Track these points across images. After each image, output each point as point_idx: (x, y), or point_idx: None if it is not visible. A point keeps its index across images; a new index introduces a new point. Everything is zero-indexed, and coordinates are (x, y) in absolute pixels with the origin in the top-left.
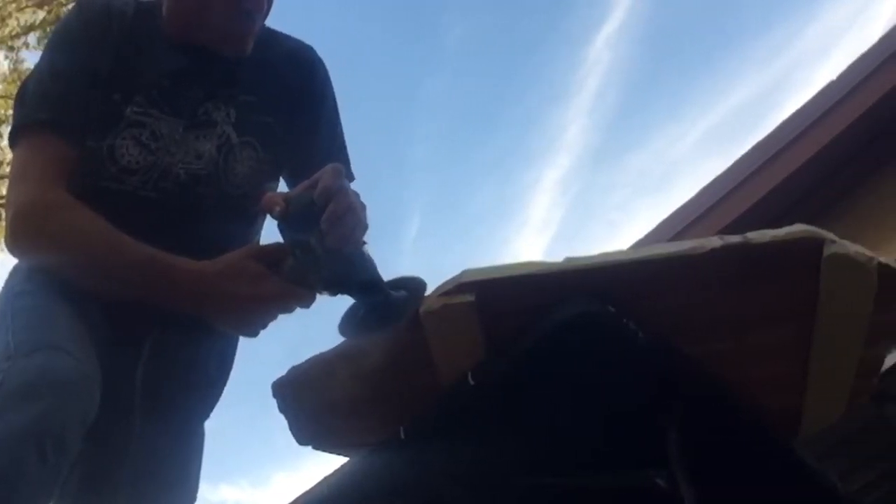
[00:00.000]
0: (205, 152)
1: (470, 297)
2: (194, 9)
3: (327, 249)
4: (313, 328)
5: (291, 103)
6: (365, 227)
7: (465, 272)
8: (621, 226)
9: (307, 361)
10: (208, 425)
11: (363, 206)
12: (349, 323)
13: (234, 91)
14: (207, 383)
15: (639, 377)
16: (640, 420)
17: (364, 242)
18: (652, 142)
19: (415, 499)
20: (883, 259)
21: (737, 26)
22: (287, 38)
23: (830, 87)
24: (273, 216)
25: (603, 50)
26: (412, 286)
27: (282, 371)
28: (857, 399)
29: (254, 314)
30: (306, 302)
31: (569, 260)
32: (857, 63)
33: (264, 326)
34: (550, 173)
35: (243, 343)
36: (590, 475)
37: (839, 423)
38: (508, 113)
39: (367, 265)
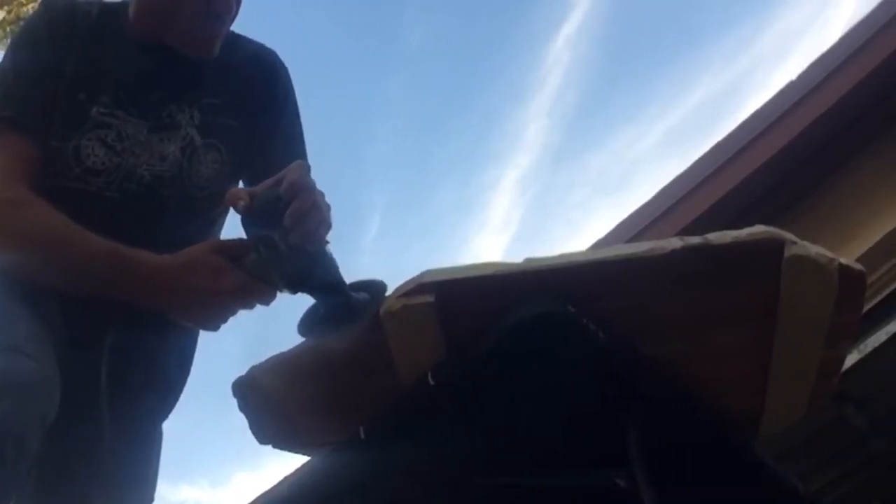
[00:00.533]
0: (168, 154)
1: (430, 298)
2: (164, 9)
3: (290, 246)
4: (273, 327)
5: (254, 106)
6: (328, 227)
7: (425, 273)
8: (581, 225)
9: (267, 361)
10: (168, 425)
11: (328, 206)
12: (309, 323)
13: (198, 93)
14: (167, 384)
15: (599, 377)
16: (600, 420)
17: (327, 242)
18: (611, 141)
19: (374, 498)
20: (843, 260)
21: (696, 27)
22: (250, 41)
23: (790, 87)
24: (237, 210)
25: (563, 49)
26: (373, 289)
27: (242, 370)
28: (817, 400)
29: (214, 308)
30: (267, 298)
31: (529, 260)
32: (817, 64)
33: (225, 321)
34: (510, 173)
35: (203, 342)
36: (550, 475)
37: (799, 423)
38: (468, 112)
39: (329, 265)
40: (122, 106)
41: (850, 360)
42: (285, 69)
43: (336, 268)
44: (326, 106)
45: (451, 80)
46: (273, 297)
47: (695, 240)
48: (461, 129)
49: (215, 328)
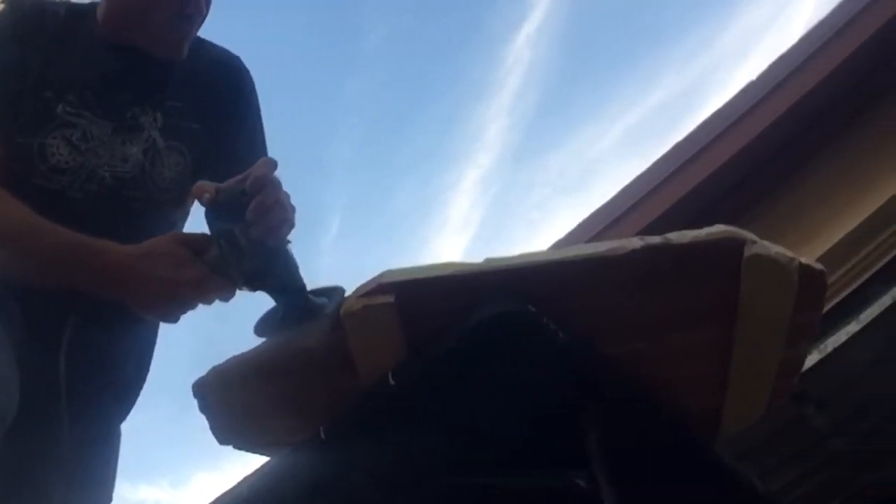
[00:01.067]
0: (131, 156)
1: (390, 298)
2: (135, 9)
3: (251, 240)
4: (233, 328)
5: (217, 110)
6: (291, 226)
7: (385, 273)
8: (541, 225)
9: (228, 361)
10: (128, 425)
11: (293, 207)
12: (266, 324)
13: (162, 96)
14: (125, 385)
15: (559, 377)
16: (561, 420)
17: (289, 242)
18: (572, 141)
19: (335, 499)
20: (804, 260)
21: (657, 26)
22: (214, 46)
23: (750, 87)
24: (202, 203)
25: (523, 49)
26: (332, 294)
27: (202, 371)
28: (777, 399)
29: (174, 299)
30: (226, 294)
31: (489, 260)
32: (777, 64)
33: (184, 312)
34: (471, 173)
35: (164, 342)
36: (511, 475)
37: (759, 423)
38: (429, 113)
39: (290, 265)
40: (89, 106)
41: (811, 360)
42: (249, 75)
43: (296, 269)
44: (286, 107)
45: (412, 81)
46: (232, 293)
47: (655, 239)
48: (421, 130)
49: (174, 320)
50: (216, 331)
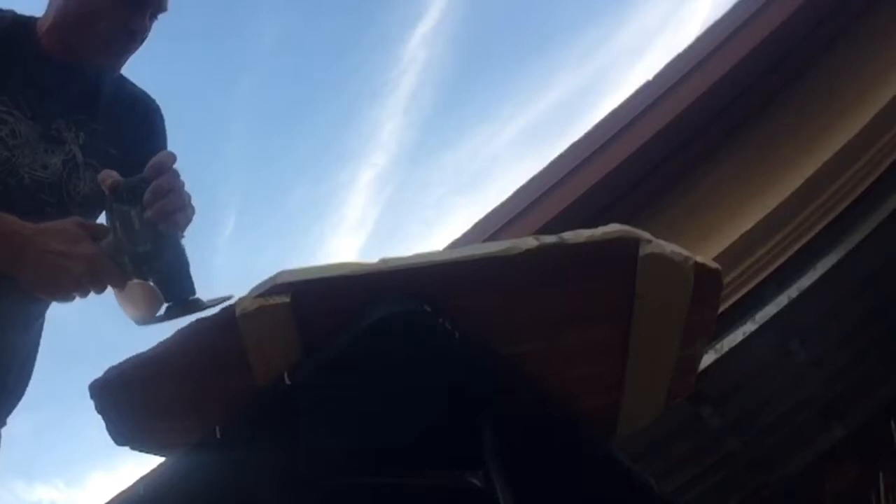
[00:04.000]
0: (51, 164)
1: (285, 298)
2: (86, 13)
3: (145, 223)
4: (129, 329)
5: (133, 140)
6: (187, 218)
7: (280, 273)
8: (437, 224)
9: (125, 362)
10: (23, 425)
11: (190, 199)
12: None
13: (86, 118)
14: (5, 390)
15: (454, 377)
16: (456, 419)
17: (182, 235)
18: (467, 140)
19: (231, 499)
20: (699, 258)
21: (552, 25)
22: (135, 85)
23: (646, 86)
24: (104, 187)
25: (418, 49)
26: (221, 300)
27: (98, 372)
28: (673, 399)
29: (66, 273)
30: (118, 282)
31: (384, 260)
32: (673, 63)
33: (76, 292)
34: (366, 172)
35: (60, 343)
36: (406, 475)
37: (656, 423)
38: (323, 112)
39: (180, 255)
40: (20, 108)
41: (707, 359)
42: (162, 114)
43: (187, 263)
44: (178, 105)
45: (306, 79)
46: (123, 282)
47: (550, 239)
48: (316, 128)
49: (66, 299)
50: (116, 330)
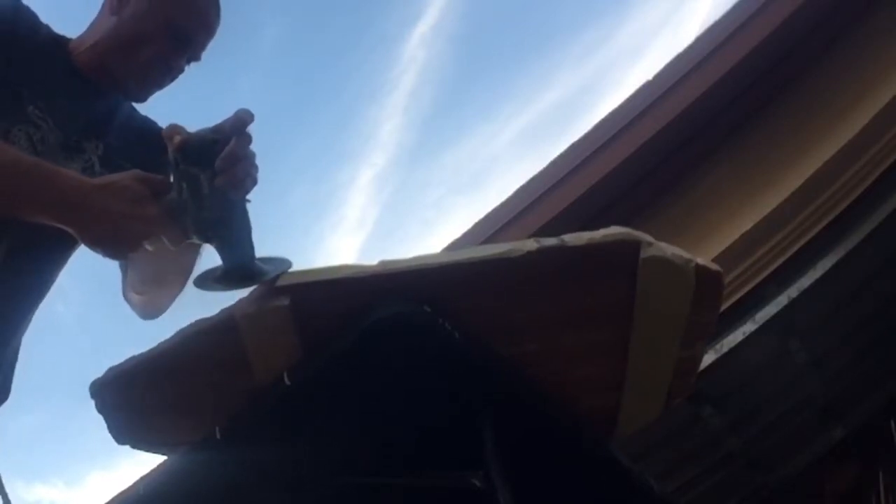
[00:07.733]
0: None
1: (285, 301)
2: (133, 40)
3: (214, 189)
4: (130, 328)
5: (144, 160)
6: (254, 182)
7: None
8: (436, 224)
9: (126, 362)
10: (21, 425)
11: (257, 167)
12: (206, 278)
13: (105, 132)
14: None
15: (454, 378)
16: (456, 420)
17: (248, 200)
18: (467, 140)
19: (230, 498)
20: (700, 260)
21: (552, 24)
22: (145, 115)
23: (646, 87)
24: (171, 145)
25: (418, 48)
26: (278, 264)
27: (98, 372)
28: (673, 400)
29: (126, 234)
30: (175, 240)
31: (383, 263)
32: (673, 63)
33: (132, 251)
34: (365, 172)
35: (60, 343)
36: (407, 475)
37: (656, 423)
38: (322, 111)
39: (245, 221)
40: (52, 116)
41: (707, 359)
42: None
43: (250, 229)
44: (177, 105)
45: (305, 79)
46: (181, 240)
47: (550, 241)
48: (315, 128)
49: (123, 256)
50: (116, 328)
